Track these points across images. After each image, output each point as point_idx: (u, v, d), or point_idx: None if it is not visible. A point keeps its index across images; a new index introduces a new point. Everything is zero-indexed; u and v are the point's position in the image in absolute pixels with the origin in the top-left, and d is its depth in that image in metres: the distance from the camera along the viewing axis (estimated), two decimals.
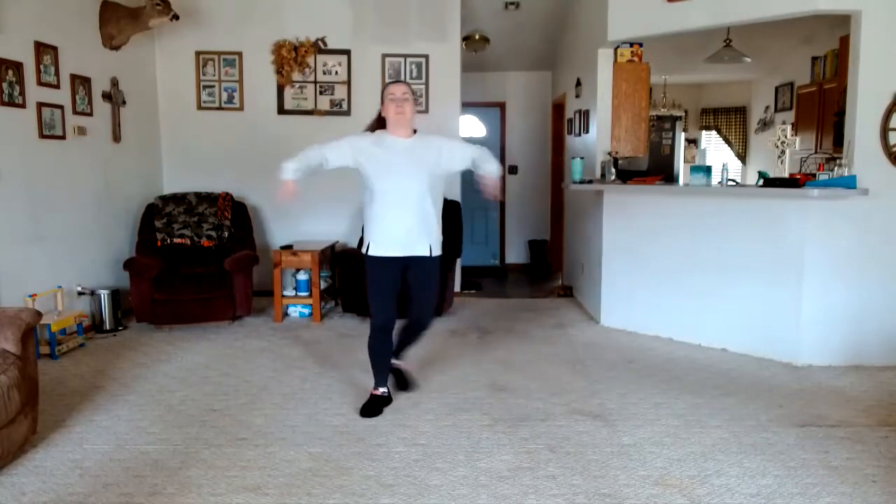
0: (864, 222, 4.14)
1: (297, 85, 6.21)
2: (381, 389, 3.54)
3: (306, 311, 5.51)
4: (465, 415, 3.44)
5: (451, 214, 5.25)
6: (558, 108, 7.84)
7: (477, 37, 7.29)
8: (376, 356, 3.52)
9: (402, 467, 2.86)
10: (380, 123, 3.47)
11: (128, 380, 3.94)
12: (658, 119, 8.08)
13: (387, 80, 3.54)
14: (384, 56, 6.20)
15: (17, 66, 4.28)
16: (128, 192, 5.66)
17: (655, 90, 8.26)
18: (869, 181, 4.06)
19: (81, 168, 5.01)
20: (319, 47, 6.14)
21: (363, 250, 3.43)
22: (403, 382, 3.78)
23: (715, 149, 9.38)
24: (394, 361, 3.69)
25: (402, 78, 6.19)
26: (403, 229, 3.33)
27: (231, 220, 5.67)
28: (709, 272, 4.59)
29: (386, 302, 3.43)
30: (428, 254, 3.39)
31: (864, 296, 4.20)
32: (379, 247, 3.36)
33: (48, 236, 4.65)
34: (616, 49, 5.30)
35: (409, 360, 3.88)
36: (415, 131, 3.43)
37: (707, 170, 4.74)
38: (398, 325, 3.56)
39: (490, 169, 3.44)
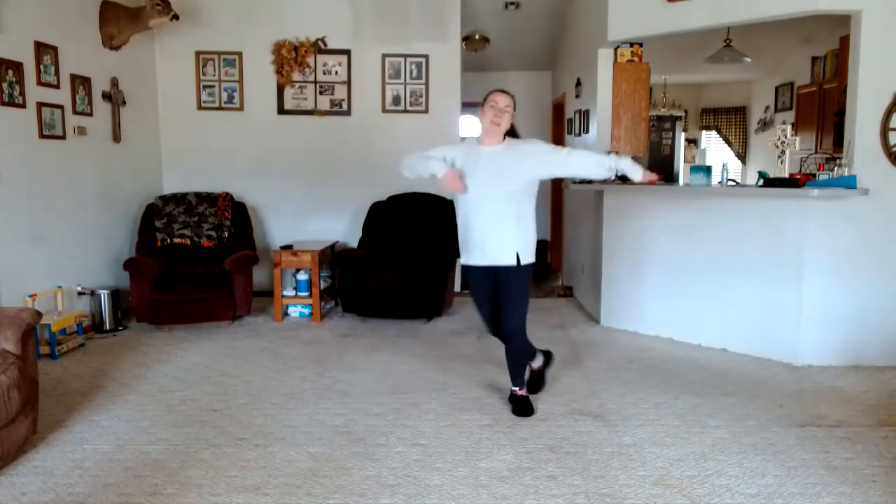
0: (863, 222, 4.14)
1: (297, 85, 6.21)
2: (515, 389, 3.53)
3: (306, 311, 5.51)
4: (465, 415, 3.44)
5: (451, 215, 5.25)
6: (558, 108, 7.83)
7: (477, 37, 7.29)
8: (507, 357, 3.54)
9: (402, 467, 2.86)
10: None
11: (128, 380, 3.94)
12: (658, 119, 8.08)
13: (492, 89, 3.49)
14: (384, 56, 6.20)
15: (17, 66, 4.28)
16: (128, 192, 5.66)
17: (655, 90, 8.27)
18: (869, 181, 4.06)
19: (81, 168, 5.01)
20: (319, 47, 6.14)
21: (461, 260, 3.49)
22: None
23: (715, 149, 9.38)
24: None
25: (402, 78, 6.20)
26: (486, 238, 3.31)
27: (231, 220, 5.67)
28: (709, 272, 4.58)
29: (485, 310, 3.52)
30: (514, 263, 3.32)
31: (864, 296, 4.20)
32: (467, 256, 3.41)
33: (48, 236, 4.65)
34: (616, 49, 5.30)
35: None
36: (505, 138, 3.38)
37: (707, 170, 4.74)
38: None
39: (635, 177, 3.30)
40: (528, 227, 3.37)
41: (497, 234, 3.29)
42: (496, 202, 3.27)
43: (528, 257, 3.36)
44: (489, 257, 3.34)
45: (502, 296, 3.40)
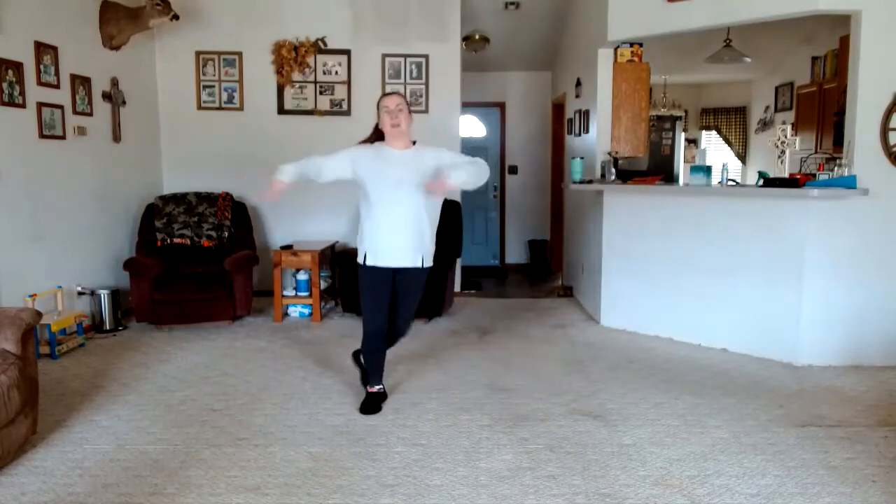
0: (864, 222, 4.14)
1: (297, 85, 6.21)
2: (377, 387, 3.58)
3: (306, 311, 5.51)
4: (465, 415, 3.44)
5: (452, 215, 5.25)
6: (558, 108, 7.83)
7: (477, 37, 7.28)
8: (371, 360, 3.57)
9: (402, 467, 2.86)
10: (377, 135, 3.45)
11: (128, 380, 3.94)
12: (658, 119, 8.07)
13: (382, 92, 3.51)
14: (384, 56, 6.20)
15: (17, 66, 4.28)
16: (128, 192, 5.66)
17: (655, 90, 8.27)
18: (869, 181, 4.06)
19: (81, 168, 5.01)
20: (319, 47, 6.14)
21: (358, 259, 3.45)
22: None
23: (715, 149, 9.38)
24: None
25: (402, 78, 6.20)
26: (397, 240, 3.33)
27: (231, 220, 5.67)
28: (709, 272, 4.58)
29: (379, 309, 3.45)
30: (419, 265, 3.39)
31: (864, 296, 4.20)
32: (373, 256, 3.38)
33: (48, 236, 4.65)
34: (616, 49, 5.30)
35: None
36: (414, 142, 3.43)
37: (707, 170, 4.74)
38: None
39: (453, 177, 3.15)
40: (434, 231, 3.43)
41: (408, 235, 3.33)
42: (409, 204, 3.29)
43: (431, 260, 3.44)
44: (397, 258, 3.35)
45: (402, 298, 3.47)
